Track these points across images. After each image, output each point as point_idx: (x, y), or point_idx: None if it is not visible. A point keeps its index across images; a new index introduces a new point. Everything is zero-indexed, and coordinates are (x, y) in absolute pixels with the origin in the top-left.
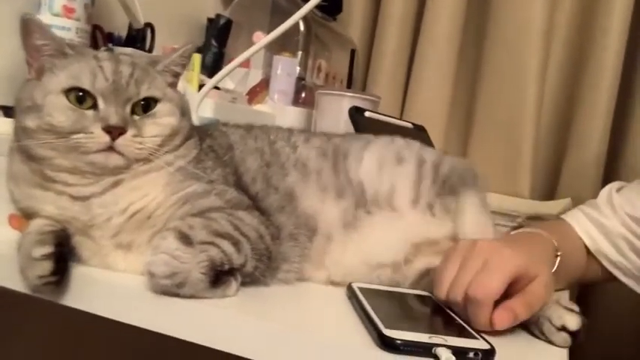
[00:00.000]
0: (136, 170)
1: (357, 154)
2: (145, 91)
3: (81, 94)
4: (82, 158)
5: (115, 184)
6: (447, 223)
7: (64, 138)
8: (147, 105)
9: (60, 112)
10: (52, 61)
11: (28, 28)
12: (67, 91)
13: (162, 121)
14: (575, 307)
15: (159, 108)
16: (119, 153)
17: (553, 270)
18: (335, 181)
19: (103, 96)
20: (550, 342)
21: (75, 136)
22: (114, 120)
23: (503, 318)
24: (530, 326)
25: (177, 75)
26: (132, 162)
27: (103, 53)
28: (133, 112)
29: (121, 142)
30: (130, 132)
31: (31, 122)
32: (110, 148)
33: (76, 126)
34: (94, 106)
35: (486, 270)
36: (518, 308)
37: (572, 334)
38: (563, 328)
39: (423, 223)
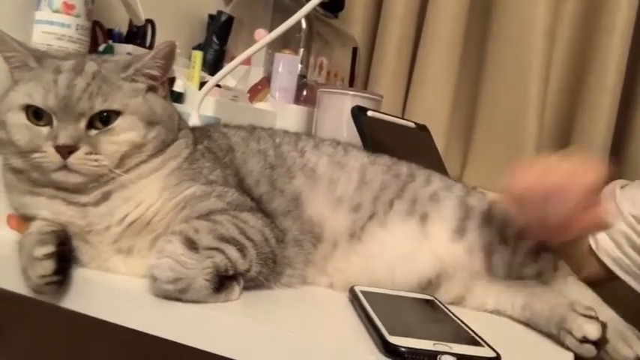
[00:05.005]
0: (120, 181)
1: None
2: (99, 105)
3: (38, 110)
4: (46, 176)
5: (106, 196)
6: None
7: (26, 156)
8: (108, 117)
9: (17, 129)
10: (20, 74)
11: None
12: (26, 108)
13: (118, 138)
14: (593, 312)
15: (118, 123)
16: (75, 171)
17: None
18: (355, 196)
19: (55, 113)
20: (576, 354)
21: (33, 155)
22: (62, 139)
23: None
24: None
25: (155, 78)
26: (93, 178)
27: (66, 63)
28: (91, 125)
29: (72, 160)
30: (83, 149)
31: (3, 135)
32: (65, 167)
33: (31, 145)
34: (51, 123)
35: (583, 165)
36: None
37: (595, 343)
38: (585, 339)
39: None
